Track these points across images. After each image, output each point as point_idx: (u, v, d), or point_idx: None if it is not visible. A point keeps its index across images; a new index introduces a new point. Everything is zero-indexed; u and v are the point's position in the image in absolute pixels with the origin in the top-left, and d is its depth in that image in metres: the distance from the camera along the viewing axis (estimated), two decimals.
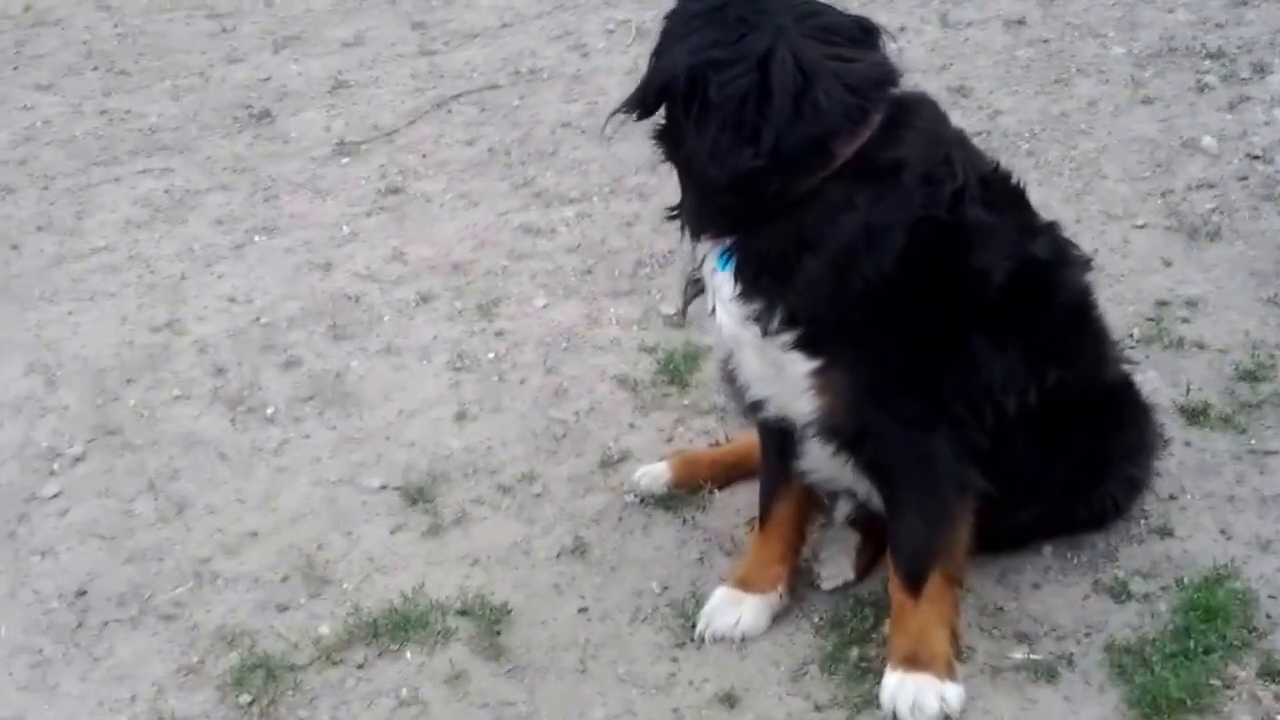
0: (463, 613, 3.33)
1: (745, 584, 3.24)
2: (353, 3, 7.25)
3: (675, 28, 2.90)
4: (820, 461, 3.10)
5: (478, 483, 3.79)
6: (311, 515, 3.73)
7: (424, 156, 5.60)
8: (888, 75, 2.89)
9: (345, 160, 5.66)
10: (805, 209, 2.80)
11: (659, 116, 2.93)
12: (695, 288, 3.11)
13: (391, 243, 5.00)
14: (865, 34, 2.92)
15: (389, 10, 7.09)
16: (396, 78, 6.35)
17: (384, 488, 3.80)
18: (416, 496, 3.74)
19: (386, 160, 5.60)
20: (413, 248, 4.96)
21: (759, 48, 2.76)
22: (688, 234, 3.00)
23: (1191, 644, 2.99)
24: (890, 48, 2.94)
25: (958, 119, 5.02)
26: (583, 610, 3.34)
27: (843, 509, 3.36)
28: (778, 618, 3.24)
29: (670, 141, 2.92)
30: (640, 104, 2.91)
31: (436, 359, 4.33)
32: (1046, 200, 4.66)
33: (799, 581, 3.30)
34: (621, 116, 2.95)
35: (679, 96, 2.80)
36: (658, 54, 2.91)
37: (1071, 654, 3.05)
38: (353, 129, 5.91)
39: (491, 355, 4.32)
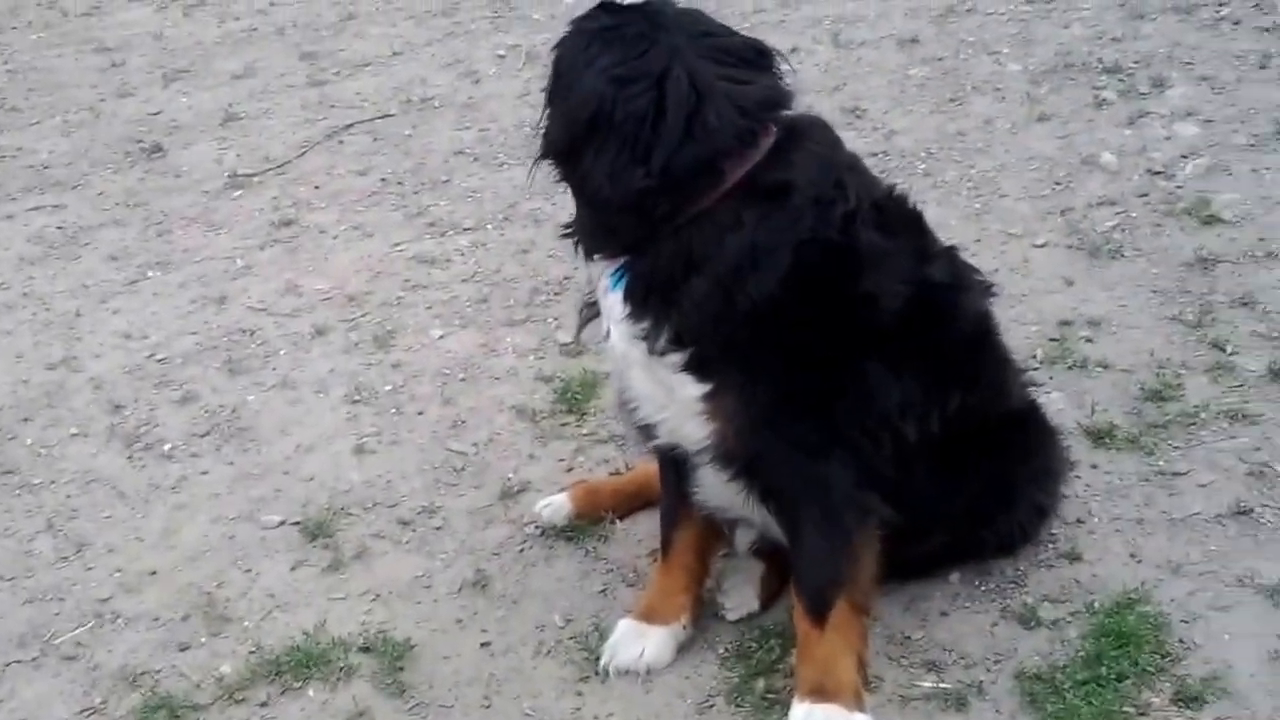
0: (365, 649, 3.25)
1: (649, 616, 3.17)
2: (241, 34, 7.15)
3: (575, 50, 2.86)
4: (715, 489, 3.04)
5: (377, 517, 3.70)
6: (211, 552, 3.63)
7: (317, 188, 5.51)
8: (779, 97, 2.86)
9: (238, 193, 5.56)
10: (694, 229, 2.76)
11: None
12: (590, 310, 3.06)
13: (286, 275, 4.90)
14: (760, 56, 2.90)
15: (278, 41, 7.00)
16: (287, 109, 6.26)
17: (283, 523, 3.71)
18: (316, 532, 3.65)
19: (279, 192, 5.51)
20: (307, 280, 4.86)
21: (657, 66, 2.73)
22: (581, 254, 2.95)
23: (1103, 670, 2.94)
24: (785, 70, 2.90)
25: (852, 140, 5.04)
26: (485, 645, 3.26)
27: (746, 538, 3.29)
28: (683, 649, 3.17)
29: (567, 161, 2.87)
30: (564, 141, 2.84)
31: (333, 392, 4.24)
32: (945, 220, 4.68)
33: (704, 612, 3.24)
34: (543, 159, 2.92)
35: (594, 124, 2.76)
36: (565, 82, 2.85)
37: (981, 682, 2.99)
38: (244, 161, 5.81)
39: (389, 387, 4.23)
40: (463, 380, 4.23)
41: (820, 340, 2.81)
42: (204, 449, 4.04)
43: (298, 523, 3.70)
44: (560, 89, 2.88)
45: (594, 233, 2.89)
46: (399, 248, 5.01)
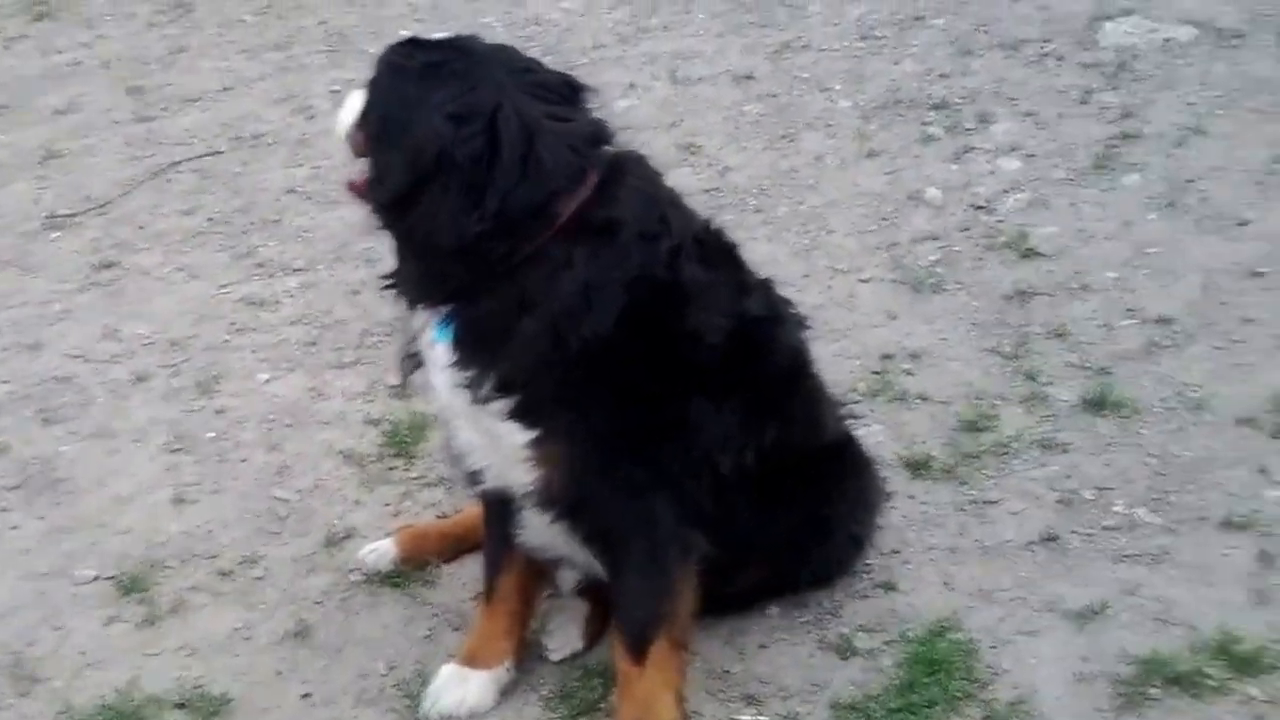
0: (180, 705, 3.19)
1: (472, 660, 3.16)
2: (65, 68, 6.95)
3: (397, 88, 2.81)
4: (539, 531, 3.04)
5: (196, 569, 3.63)
6: (20, 610, 3.53)
7: (140, 228, 5.39)
8: (603, 133, 2.87)
9: (56, 234, 5.41)
10: (525, 271, 2.74)
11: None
12: (414, 360, 3.01)
13: (105, 320, 4.79)
14: (573, 92, 2.90)
15: (103, 75, 6.82)
16: (111, 146, 6.10)
17: (97, 578, 3.62)
18: (131, 586, 3.57)
19: (100, 233, 5.37)
20: (128, 325, 4.75)
21: (488, 104, 2.70)
22: (405, 303, 2.91)
23: (915, 698, 3.00)
24: (595, 106, 2.91)
25: (687, 176, 5.17)
26: (306, 696, 3.22)
27: (570, 578, 3.30)
28: (506, 692, 3.16)
29: (401, 207, 2.79)
30: (406, 182, 2.75)
31: (153, 440, 4.15)
32: (775, 255, 4.74)
33: (528, 654, 3.23)
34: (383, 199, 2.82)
35: (435, 167, 2.71)
36: (397, 123, 2.78)
37: (798, 713, 3.03)
38: (64, 201, 5.65)
39: (211, 434, 4.16)
40: (289, 425, 4.17)
41: (648, 378, 2.82)
42: (14, 503, 3.93)
43: (112, 577, 3.61)
44: (392, 131, 2.80)
45: (422, 281, 2.84)
46: (226, 289, 4.92)
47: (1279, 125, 5.21)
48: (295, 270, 5.02)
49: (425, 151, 2.71)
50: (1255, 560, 3.31)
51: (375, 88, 2.88)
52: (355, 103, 2.91)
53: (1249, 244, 4.55)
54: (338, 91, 6.30)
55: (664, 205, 2.90)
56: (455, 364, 2.83)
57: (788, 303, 3.20)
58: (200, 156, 5.92)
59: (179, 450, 4.09)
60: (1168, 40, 5.91)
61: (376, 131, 2.84)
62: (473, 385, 2.81)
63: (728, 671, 3.17)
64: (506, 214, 2.69)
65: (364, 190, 2.91)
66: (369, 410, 4.20)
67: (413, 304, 2.89)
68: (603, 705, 3.08)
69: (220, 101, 6.42)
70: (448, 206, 2.69)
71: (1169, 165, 5.06)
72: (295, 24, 7.14)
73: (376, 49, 2.95)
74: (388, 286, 2.96)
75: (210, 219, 5.42)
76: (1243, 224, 4.66)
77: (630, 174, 2.88)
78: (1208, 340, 4.13)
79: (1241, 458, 3.64)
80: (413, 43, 2.88)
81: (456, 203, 2.68)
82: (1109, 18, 6.15)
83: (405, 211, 2.77)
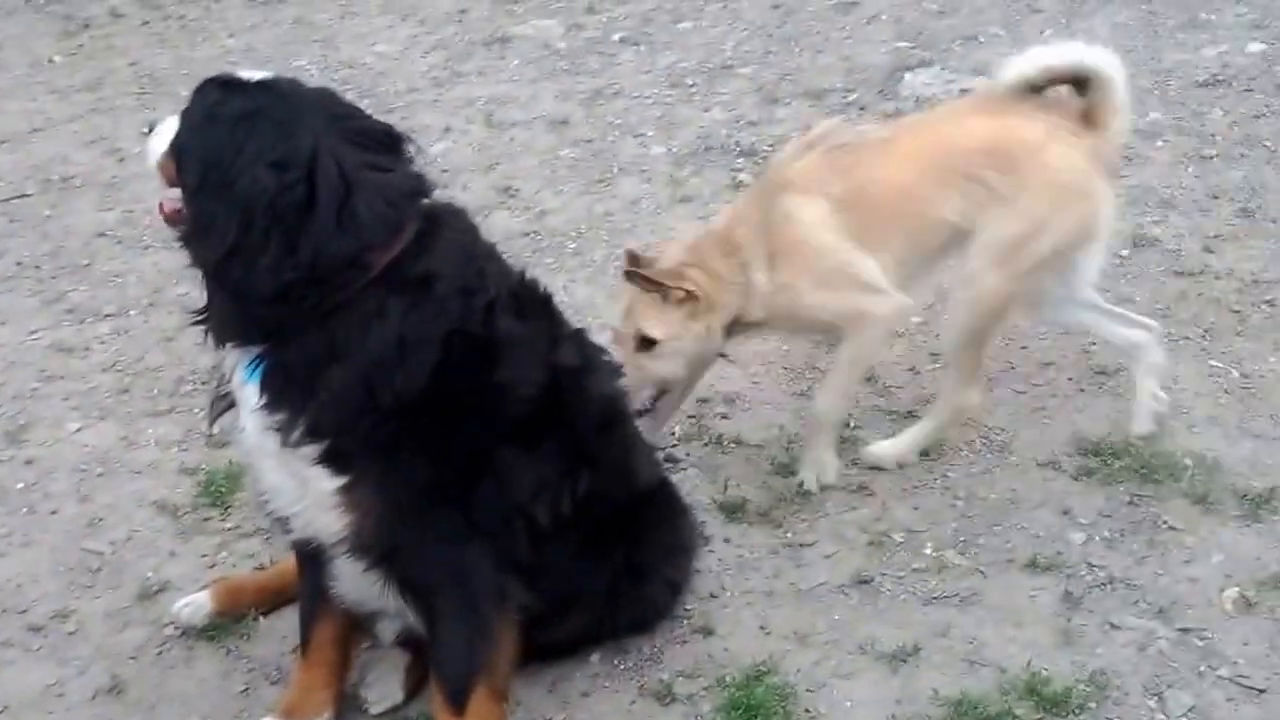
0: None
1: (290, 714, 3.13)
2: None
3: (216, 136, 2.74)
4: (352, 581, 3.02)
5: (6, 624, 3.55)
6: None
7: None
8: (421, 186, 2.88)
9: None
10: (337, 320, 2.74)
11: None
12: (224, 401, 2.97)
13: None
14: (393, 140, 2.90)
15: None
16: None
17: None
18: None
19: None
20: None
21: (305, 151, 2.68)
22: (212, 341, 2.88)
23: None
24: (415, 155, 2.91)
25: (505, 220, 5.21)
26: None
27: (390, 629, 3.27)
28: None
29: (203, 246, 2.76)
30: (223, 228, 2.68)
31: None
32: (593, 299, 4.80)
33: (347, 706, 3.21)
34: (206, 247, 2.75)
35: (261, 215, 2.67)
36: (220, 173, 2.71)
37: None
38: None
39: (20, 485, 4.06)
40: (101, 475, 4.09)
41: (461, 430, 2.83)
42: None
43: None
44: (214, 182, 2.72)
45: (232, 322, 2.81)
46: (35, 336, 4.81)
47: None
48: (107, 316, 4.93)
49: (254, 206, 2.67)
50: (1060, 601, 3.44)
51: (189, 127, 2.83)
52: (166, 130, 2.90)
53: None
54: (148, 134, 6.20)
55: (481, 259, 2.93)
56: (264, 406, 2.80)
57: (602, 351, 3.25)
58: (8, 200, 5.78)
59: None
60: (964, 91, 6.13)
61: (197, 182, 2.77)
62: (282, 429, 2.79)
63: None
64: (319, 264, 2.68)
65: (175, 218, 2.90)
66: (184, 459, 4.14)
67: (221, 343, 2.86)
68: None
69: (29, 143, 6.28)
70: (266, 254, 2.66)
71: None
72: (105, 65, 7.02)
73: (188, 90, 2.90)
74: (197, 323, 2.92)
75: (18, 263, 5.29)
76: None
77: (448, 227, 2.89)
78: (1010, 384, 4.29)
79: (1045, 500, 3.79)
80: (228, 84, 2.82)
81: (275, 251, 2.66)
82: (909, 69, 6.40)
83: (225, 258, 2.73)
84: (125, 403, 4.44)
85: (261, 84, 2.82)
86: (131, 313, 4.95)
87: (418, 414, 2.77)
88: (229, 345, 2.85)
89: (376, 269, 2.74)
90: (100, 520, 3.91)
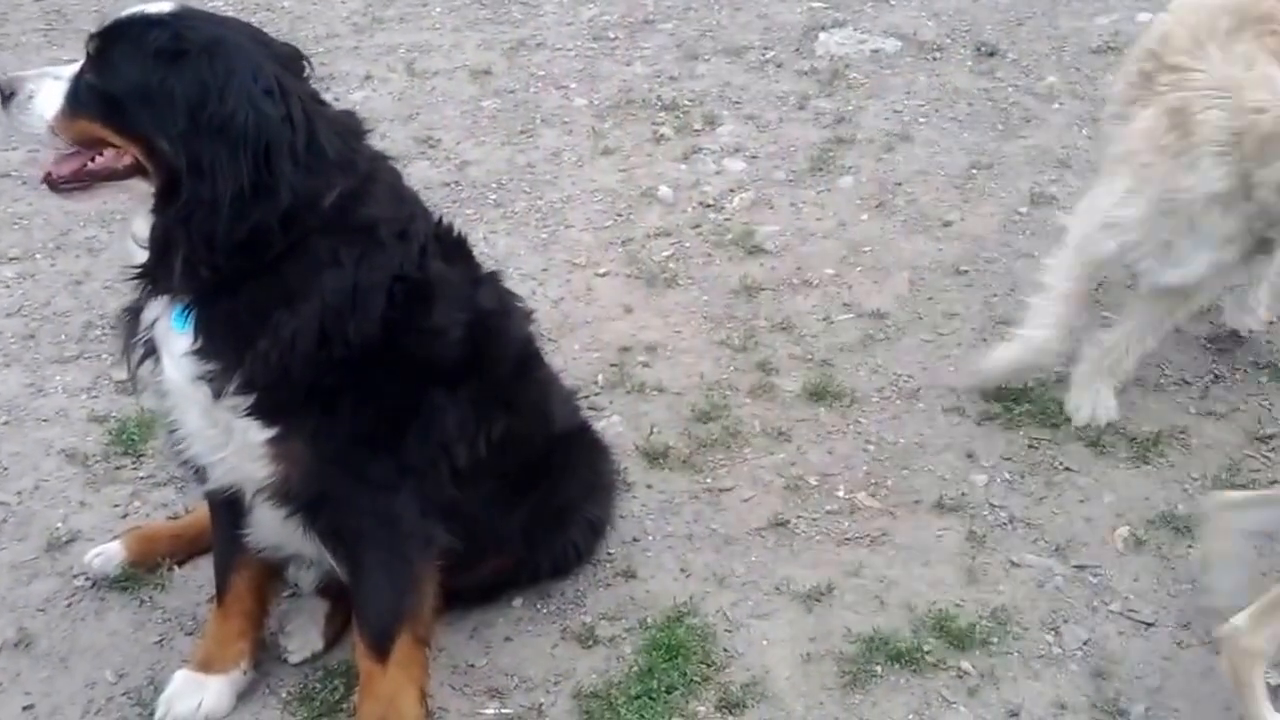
0: None
1: (207, 665, 3.09)
2: None
3: (186, 70, 2.59)
4: (271, 528, 2.98)
5: None
6: None
7: None
8: (360, 127, 2.84)
9: None
10: (288, 265, 2.66)
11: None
12: (143, 348, 2.85)
13: None
14: (302, 63, 2.82)
15: None
16: None
17: None
18: None
19: None
20: None
21: (270, 82, 2.59)
22: (148, 292, 2.77)
23: (654, 683, 3.08)
24: (310, 73, 2.82)
25: (425, 170, 5.16)
26: (28, 708, 3.11)
27: (310, 576, 3.25)
28: (244, 696, 3.11)
29: (174, 191, 2.63)
30: (251, 161, 2.56)
31: None
32: (514, 249, 4.80)
33: (266, 656, 3.19)
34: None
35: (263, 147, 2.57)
36: (203, 107, 2.56)
37: (541, 704, 3.08)
38: None
39: None
40: (6, 424, 4.01)
41: (398, 376, 2.81)
42: None
43: None
44: (207, 120, 2.57)
45: (184, 271, 2.66)
46: None
47: (974, 133, 5.52)
48: (11, 259, 4.83)
49: (261, 138, 2.57)
50: (965, 540, 3.51)
51: (130, 70, 2.64)
52: (53, 88, 2.69)
53: (952, 244, 4.81)
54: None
55: (412, 203, 2.91)
56: (197, 354, 2.72)
57: (515, 296, 3.24)
58: None
59: None
60: (876, 51, 6.22)
61: (187, 125, 2.59)
62: (215, 379, 2.72)
63: (472, 665, 3.20)
64: (292, 205, 2.61)
65: (78, 176, 2.75)
66: (94, 407, 4.07)
67: (161, 293, 2.75)
68: (345, 706, 3.06)
69: None
70: (249, 195, 2.57)
71: (879, 169, 5.31)
72: (9, 1, 6.82)
73: (95, 27, 2.78)
74: (137, 277, 2.78)
75: None
76: (946, 225, 4.93)
77: (381, 170, 2.86)
78: (917, 333, 4.35)
79: (950, 444, 3.86)
80: (150, 21, 2.66)
81: (253, 191, 2.57)
82: (823, 28, 6.44)
83: (197, 201, 2.60)
84: (31, 349, 4.36)
85: (183, 16, 2.69)
86: (37, 256, 4.85)
87: (361, 362, 2.73)
88: (167, 296, 2.74)
89: (325, 211, 2.68)
90: (5, 470, 3.83)
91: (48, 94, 2.72)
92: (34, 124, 2.73)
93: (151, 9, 2.72)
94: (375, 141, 2.93)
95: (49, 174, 2.79)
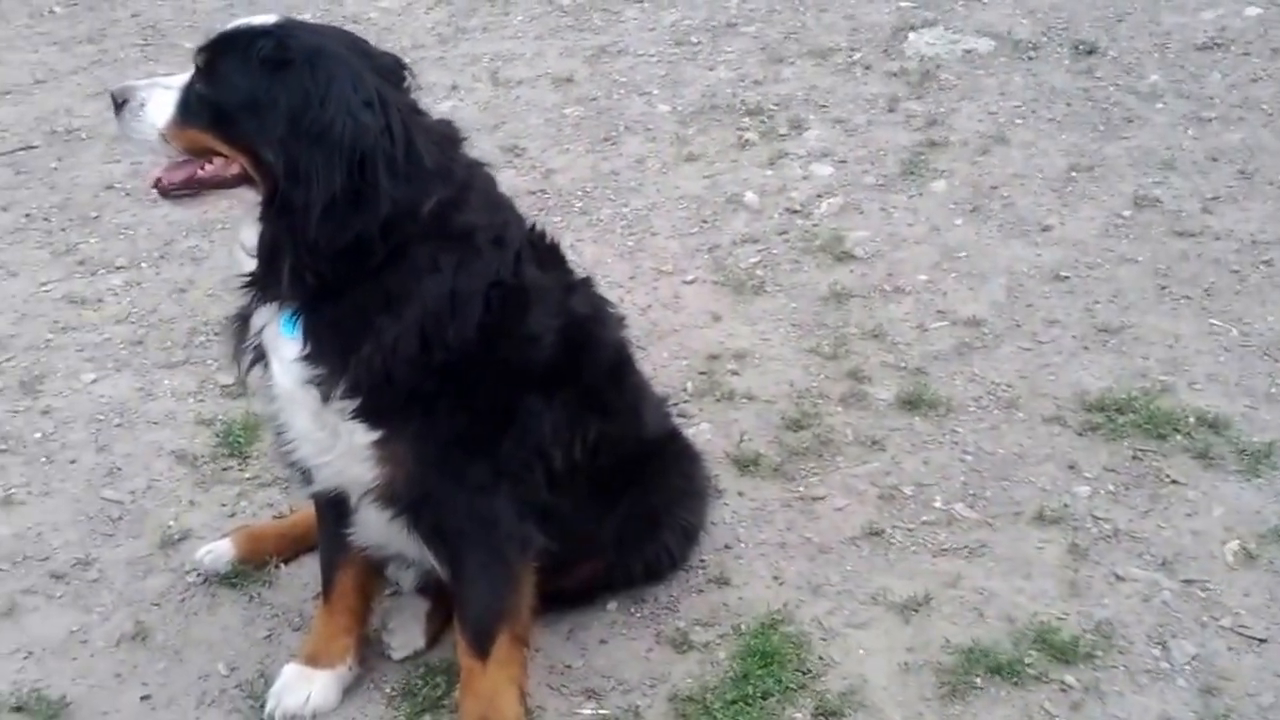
0: (18, 709, 3.16)
1: (314, 659, 3.17)
2: None
3: (290, 78, 2.69)
4: (375, 529, 3.06)
5: (28, 571, 3.58)
6: None
7: None
8: (458, 135, 2.91)
9: None
10: (390, 272, 2.74)
11: None
12: (253, 354, 2.96)
13: None
14: (402, 70, 2.90)
15: None
16: None
17: None
18: None
19: None
20: None
21: (370, 93, 2.66)
22: (257, 299, 2.86)
23: (750, 689, 3.11)
24: (411, 83, 2.91)
25: (512, 178, 5.23)
26: (146, 698, 3.21)
27: (411, 576, 3.33)
28: (349, 691, 3.19)
29: (280, 201, 2.71)
30: (341, 169, 2.64)
31: None
32: (601, 257, 4.85)
33: (370, 652, 3.26)
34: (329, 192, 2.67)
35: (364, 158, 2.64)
36: (304, 114, 2.65)
37: (638, 706, 3.13)
38: None
39: (38, 435, 4.09)
40: (118, 426, 4.12)
41: (495, 380, 2.87)
42: None
43: None
44: (306, 128, 2.66)
45: (290, 279, 2.75)
46: (46, 288, 4.83)
47: (1073, 135, 5.50)
48: (118, 268, 4.94)
49: (358, 148, 2.64)
50: (1067, 553, 3.50)
51: (235, 80, 2.75)
52: (164, 97, 2.82)
53: (1051, 249, 4.81)
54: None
55: (505, 210, 2.98)
56: (306, 359, 2.81)
57: (607, 301, 3.29)
58: (14, 151, 5.78)
59: (4, 451, 4.01)
60: (968, 51, 6.20)
61: (286, 131, 2.68)
62: (323, 383, 2.81)
63: (569, 666, 3.25)
64: (392, 213, 2.69)
65: (188, 184, 2.86)
66: (200, 410, 4.17)
67: (269, 300, 2.84)
68: (446, 702, 3.13)
69: (32, 95, 6.27)
70: (349, 204, 2.65)
71: (973, 172, 5.30)
72: (107, 16, 7.00)
73: (192, 43, 2.87)
74: (246, 285, 2.88)
75: (27, 215, 5.30)
76: (1045, 229, 4.92)
77: (476, 177, 2.93)
78: (1015, 341, 4.35)
79: (1051, 455, 3.85)
80: (255, 32, 2.77)
81: (353, 200, 2.65)
82: (913, 28, 6.43)
83: (306, 209, 2.68)
84: (140, 354, 4.47)
85: (287, 26, 2.79)
86: (143, 265, 4.96)
87: (459, 366, 2.81)
88: (276, 303, 2.83)
89: (424, 219, 2.75)
90: (119, 470, 3.94)
91: (159, 103, 2.83)
92: (146, 132, 2.85)
93: (256, 21, 2.83)
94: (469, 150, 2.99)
95: (159, 181, 2.90)
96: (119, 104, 2.86)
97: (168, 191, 2.90)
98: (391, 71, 2.86)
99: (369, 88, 2.69)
